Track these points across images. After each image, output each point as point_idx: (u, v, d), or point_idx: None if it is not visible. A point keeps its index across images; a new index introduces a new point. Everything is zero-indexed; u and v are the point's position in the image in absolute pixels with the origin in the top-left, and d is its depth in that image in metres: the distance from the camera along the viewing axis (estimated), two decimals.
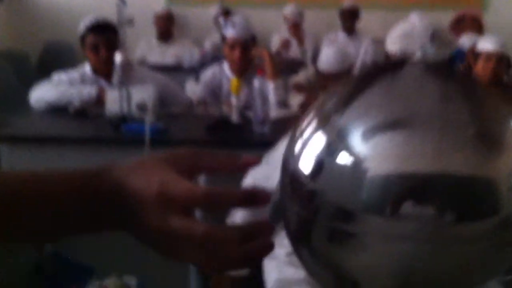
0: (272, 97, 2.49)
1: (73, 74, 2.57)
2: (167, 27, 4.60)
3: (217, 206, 0.46)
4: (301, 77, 2.72)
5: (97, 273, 1.91)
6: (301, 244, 0.49)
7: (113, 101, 2.25)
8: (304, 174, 0.47)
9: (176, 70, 3.76)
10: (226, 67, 2.71)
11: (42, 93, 2.51)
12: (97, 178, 0.48)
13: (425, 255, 0.43)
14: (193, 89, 2.92)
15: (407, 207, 0.42)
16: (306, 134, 0.49)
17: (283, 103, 2.59)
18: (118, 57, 2.17)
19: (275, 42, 4.51)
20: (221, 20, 2.55)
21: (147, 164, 0.48)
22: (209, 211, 0.47)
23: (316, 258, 0.48)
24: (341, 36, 4.56)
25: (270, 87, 2.49)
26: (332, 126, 0.47)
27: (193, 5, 5.05)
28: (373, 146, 0.44)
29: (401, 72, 0.49)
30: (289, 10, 4.59)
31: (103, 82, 2.52)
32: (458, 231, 0.42)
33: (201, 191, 0.45)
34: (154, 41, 4.58)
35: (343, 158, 0.45)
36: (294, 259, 1.27)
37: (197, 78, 3.04)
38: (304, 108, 2.48)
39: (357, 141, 0.45)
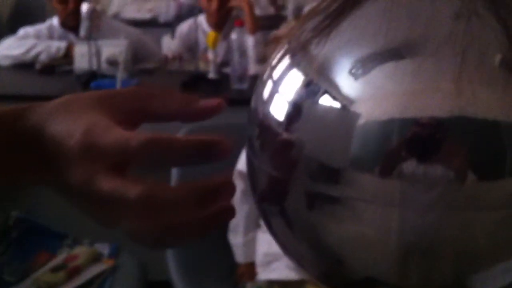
0: (251, 52, 2.37)
1: (40, 27, 2.42)
2: None
3: (159, 160, 0.35)
4: (281, 30, 2.58)
5: (68, 240, 1.82)
6: (272, 213, 0.39)
7: (82, 56, 2.11)
8: (276, 121, 0.36)
9: (151, 25, 3.61)
10: (203, 20, 2.57)
11: (7, 48, 2.36)
12: (15, 117, 0.37)
13: (430, 227, 0.33)
14: (169, 45, 2.78)
15: (410, 164, 0.32)
16: (277, 72, 0.38)
17: (262, 59, 2.47)
18: (84, 7, 2.01)
19: None
20: None
21: (75, 104, 0.37)
22: (148, 168, 0.35)
23: (291, 230, 0.37)
24: None
25: (250, 41, 2.36)
26: (311, 60, 0.36)
27: None
28: (366, 83, 0.33)
29: None
30: None
31: (72, 37, 2.37)
32: (477, 194, 0.32)
33: (136, 139, 0.34)
34: None
35: (326, 100, 0.34)
36: None
37: (173, 33, 2.90)
38: None
39: (345, 77, 0.34)
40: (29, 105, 0.38)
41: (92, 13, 2.00)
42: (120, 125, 0.35)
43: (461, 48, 0.31)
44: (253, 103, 0.40)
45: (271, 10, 4.19)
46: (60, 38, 2.39)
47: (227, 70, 2.28)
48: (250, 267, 1.61)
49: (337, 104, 0.34)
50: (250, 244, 1.58)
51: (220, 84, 2.21)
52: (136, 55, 2.32)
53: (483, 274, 0.35)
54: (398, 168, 0.32)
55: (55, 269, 1.65)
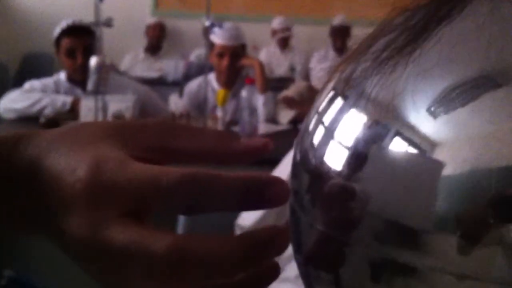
0: (261, 111, 2.32)
1: (47, 81, 2.39)
2: (157, 39, 4.49)
3: (197, 203, 0.27)
4: (291, 91, 2.54)
5: None
6: (321, 281, 0.30)
7: (88, 111, 2.06)
8: (334, 172, 0.28)
9: (159, 84, 3.59)
10: (212, 78, 2.53)
11: (12, 101, 2.32)
12: (9, 148, 0.29)
13: None
14: (176, 103, 2.73)
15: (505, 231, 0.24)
16: (329, 115, 0.31)
17: (272, 119, 2.42)
18: (93, 60, 1.97)
19: (263, 56, 4.34)
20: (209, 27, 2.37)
21: (82, 133, 0.29)
22: (186, 213, 0.27)
23: None
24: (331, 55, 4.38)
25: (260, 100, 2.31)
26: (373, 98, 0.29)
27: (180, 16, 4.90)
28: (453, 121, 0.26)
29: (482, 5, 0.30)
30: (277, 22, 4.42)
31: (78, 91, 2.33)
32: None
33: (170, 175, 0.26)
34: (141, 54, 4.45)
35: (398, 146, 0.27)
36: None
37: (180, 92, 2.87)
38: (295, 123, 2.30)
39: (424, 114, 0.26)
40: (28, 132, 0.30)
41: (101, 67, 1.96)
42: (137, 159, 0.28)
43: None
44: (299, 148, 0.32)
45: (285, 70, 4.22)
46: (67, 92, 2.34)
47: (235, 128, 2.22)
48: None
49: (412, 149, 0.26)
50: None
51: None
52: (143, 111, 2.27)
53: None
54: (495, 233, 0.24)
55: None
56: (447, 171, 0.25)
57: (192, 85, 2.61)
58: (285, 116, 2.41)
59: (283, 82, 3.41)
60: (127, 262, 0.26)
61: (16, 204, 0.29)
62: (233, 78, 2.43)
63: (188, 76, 3.31)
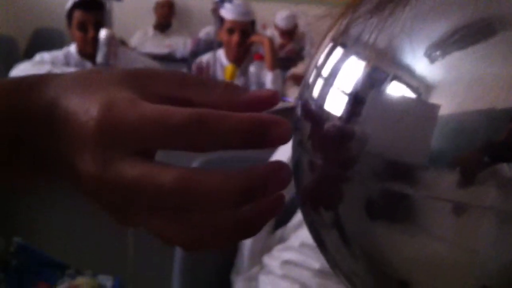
0: (269, 87, 2.32)
1: (57, 54, 2.40)
2: (166, 16, 4.48)
3: (206, 141, 0.28)
4: (299, 69, 2.54)
5: (70, 270, 1.74)
6: (323, 223, 0.32)
7: None
8: (334, 117, 0.30)
9: (168, 60, 3.60)
10: (221, 54, 2.53)
11: (22, 72, 2.32)
12: (26, 90, 0.31)
13: None
14: None
15: (502, 167, 0.25)
16: (329, 63, 0.32)
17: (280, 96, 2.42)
18: (103, 33, 1.98)
19: (271, 35, 4.31)
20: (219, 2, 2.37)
21: (97, 78, 0.30)
22: (192, 149, 0.28)
23: (347, 244, 0.30)
24: None
25: (268, 77, 2.32)
26: (373, 43, 0.30)
27: None
28: (448, 65, 0.27)
29: None
30: (278, 19, 4.21)
31: (88, 64, 2.34)
32: None
33: (180, 114, 0.27)
34: (151, 31, 4.44)
35: (395, 89, 0.28)
36: (289, 270, 1.13)
37: (189, 68, 2.87)
38: None
39: (420, 59, 0.28)
40: (45, 75, 0.31)
41: (110, 39, 1.96)
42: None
43: None
44: (300, 96, 0.33)
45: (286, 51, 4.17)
46: (77, 65, 2.35)
47: None
48: None
49: (409, 92, 0.28)
50: (252, 284, 1.49)
51: None
52: None
53: None
54: (486, 171, 0.26)
55: None
56: (442, 112, 0.26)
57: (202, 60, 2.61)
58: (293, 93, 2.41)
59: (292, 60, 3.41)
60: (137, 195, 0.27)
61: (34, 145, 0.31)
62: (242, 54, 2.44)
63: (196, 53, 3.31)
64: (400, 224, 0.28)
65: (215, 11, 2.43)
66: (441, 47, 0.27)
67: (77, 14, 2.30)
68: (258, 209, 0.29)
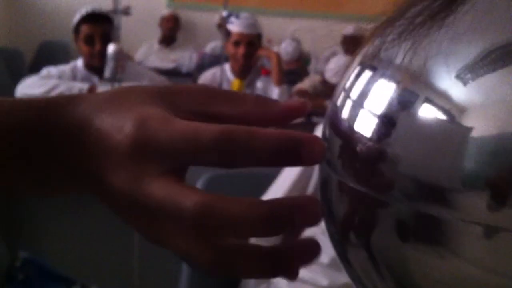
0: None
1: (64, 68, 2.41)
2: (171, 31, 4.51)
3: (236, 158, 0.28)
4: (305, 84, 2.55)
5: (76, 286, 1.74)
6: (353, 243, 0.32)
7: None
8: (365, 138, 0.30)
9: (173, 75, 3.61)
10: (227, 68, 2.54)
11: (29, 87, 2.33)
12: (58, 110, 0.31)
13: None
14: None
15: None
16: (358, 86, 0.32)
17: None
18: (111, 48, 1.99)
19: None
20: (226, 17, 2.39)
21: (128, 96, 0.31)
22: (222, 166, 0.28)
23: (375, 263, 0.30)
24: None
25: (275, 92, 2.32)
26: (403, 65, 0.30)
27: (196, 8, 4.91)
28: (481, 88, 0.27)
29: None
30: (283, 52, 4.17)
31: (95, 79, 2.35)
32: None
33: (210, 131, 0.27)
34: (156, 45, 4.46)
35: (428, 111, 0.28)
36: (296, 287, 1.12)
37: (194, 82, 2.88)
38: (309, 116, 2.31)
39: (451, 83, 0.28)
40: (78, 95, 0.32)
41: (118, 54, 1.97)
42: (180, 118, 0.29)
43: None
44: (329, 118, 0.33)
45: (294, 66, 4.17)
46: (83, 80, 2.36)
47: None
48: None
49: (442, 115, 0.27)
50: None
51: None
52: None
53: None
54: None
55: None
56: (475, 135, 0.26)
57: (207, 75, 2.62)
58: None
59: (297, 75, 3.42)
60: (161, 215, 0.28)
61: (66, 161, 0.31)
62: (248, 67, 2.44)
63: (201, 67, 3.33)
64: (431, 247, 0.28)
65: (222, 25, 2.44)
66: (475, 69, 0.27)
67: (84, 28, 2.32)
68: (292, 251, 0.29)
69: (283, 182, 1.36)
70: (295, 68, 3.86)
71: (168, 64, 4.18)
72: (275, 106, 0.31)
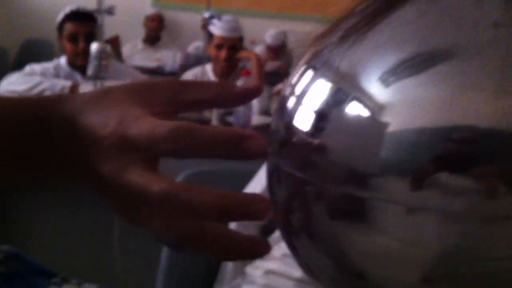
0: (255, 103, 2.38)
1: (47, 65, 2.43)
2: (156, 30, 4.53)
3: (187, 149, 0.33)
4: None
5: (56, 278, 1.76)
6: (294, 225, 0.37)
7: None
8: (303, 132, 0.35)
9: (157, 74, 3.64)
10: (209, 69, 2.59)
11: (12, 84, 2.36)
12: (47, 107, 0.37)
13: (463, 238, 0.30)
14: None
15: (442, 176, 0.30)
16: (301, 83, 0.37)
17: (265, 111, 2.48)
18: (94, 46, 2.03)
19: (260, 51, 4.37)
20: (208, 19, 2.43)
21: (110, 95, 0.36)
22: (179, 156, 0.34)
23: (313, 242, 0.35)
24: None
25: None
26: (338, 68, 0.35)
27: (181, 8, 4.95)
28: (398, 90, 0.32)
29: None
30: (267, 35, 4.27)
31: (78, 76, 2.38)
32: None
33: (164, 126, 0.33)
34: (140, 44, 4.48)
35: (354, 108, 0.33)
36: (270, 279, 1.17)
37: None
38: None
39: (375, 84, 0.33)
40: (63, 96, 0.38)
41: (102, 52, 2.01)
42: (158, 116, 0.35)
43: (500, 57, 0.31)
44: (276, 111, 0.39)
45: (275, 66, 4.24)
46: (66, 77, 2.39)
47: (230, 119, 2.28)
48: None
49: (365, 112, 0.33)
50: None
51: None
52: None
53: None
54: (428, 179, 0.31)
55: None
56: (391, 129, 0.32)
57: (188, 75, 2.67)
58: None
59: (278, 76, 3.47)
60: (139, 199, 0.33)
61: (56, 155, 0.37)
62: (230, 69, 2.50)
63: (185, 67, 3.37)
64: (356, 224, 0.33)
65: (205, 26, 2.49)
66: (391, 75, 0.33)
67: (68, 26, 2.35)
68: (244, 246, 0.34)
69: (261, 178, 1.41)
70: (278, 69, 3.92)
71: (152, 63, 4.21)
72: (234, 89, 0.36)
